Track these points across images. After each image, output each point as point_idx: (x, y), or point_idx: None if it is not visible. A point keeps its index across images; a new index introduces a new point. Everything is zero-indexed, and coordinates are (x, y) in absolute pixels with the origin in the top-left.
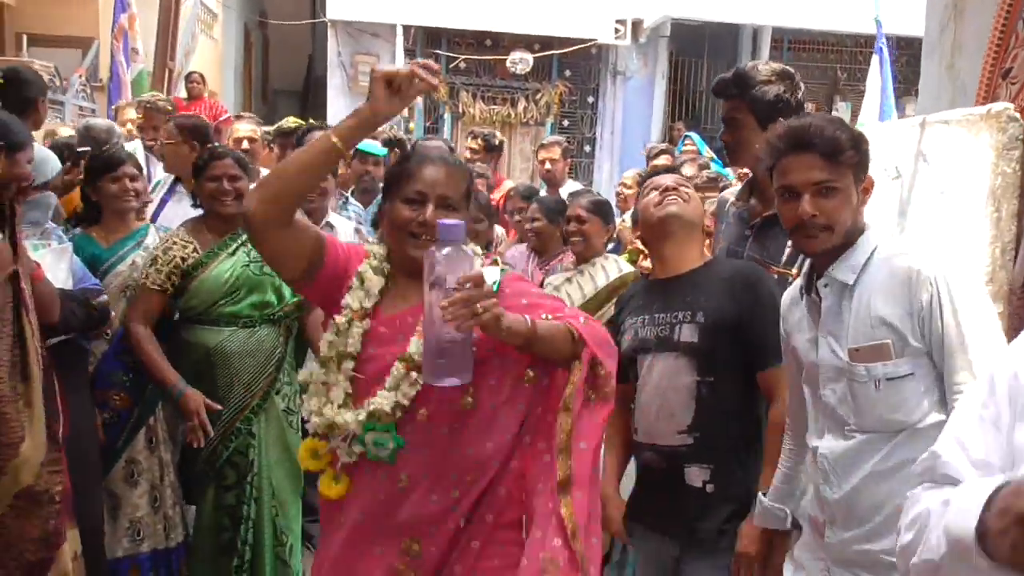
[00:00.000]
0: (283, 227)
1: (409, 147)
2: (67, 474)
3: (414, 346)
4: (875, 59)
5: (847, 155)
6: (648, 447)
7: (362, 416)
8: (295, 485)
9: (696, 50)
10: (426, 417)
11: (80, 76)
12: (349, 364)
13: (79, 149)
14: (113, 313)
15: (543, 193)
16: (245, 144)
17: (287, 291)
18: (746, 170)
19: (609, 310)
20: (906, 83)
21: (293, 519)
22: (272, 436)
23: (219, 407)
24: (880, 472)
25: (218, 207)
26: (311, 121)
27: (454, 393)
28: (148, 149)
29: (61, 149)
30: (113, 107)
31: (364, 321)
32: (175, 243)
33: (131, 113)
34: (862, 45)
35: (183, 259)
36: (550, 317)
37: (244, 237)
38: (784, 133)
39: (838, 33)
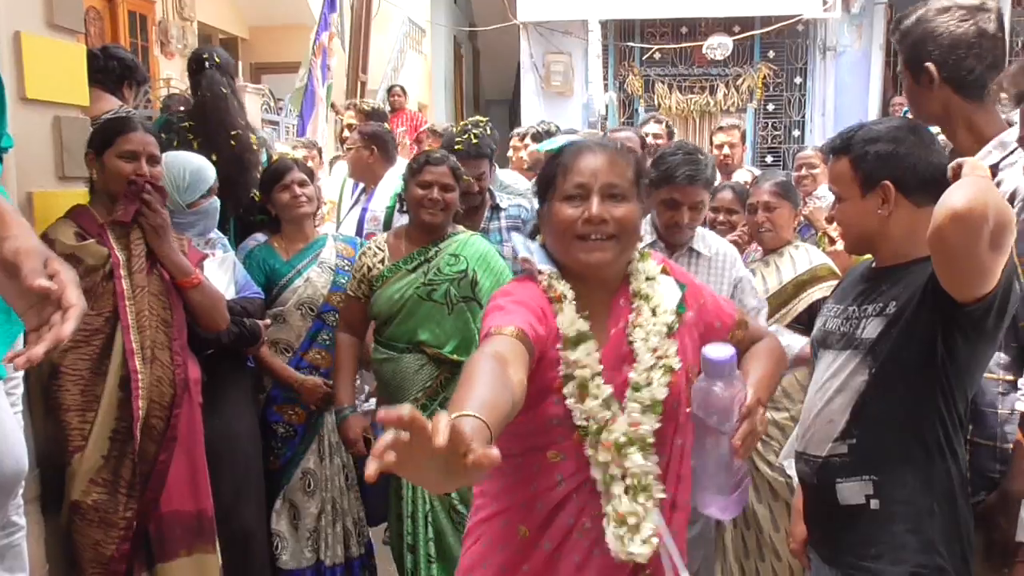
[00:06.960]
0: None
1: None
2: (200, 498)
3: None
4: None
5: None
6: (801, 455)
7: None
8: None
9: None
10: None
11: None
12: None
13: None
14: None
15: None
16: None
17: (447, 327)
18: None
19: (796, 307)
20: None
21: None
22: None
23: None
24: None
25: (422, 214)
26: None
27: None
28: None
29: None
30: (336, 115)
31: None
32: (368, 249)
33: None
34: None
35: (369, 268)
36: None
37: (432, 252)
38: None
39: None
